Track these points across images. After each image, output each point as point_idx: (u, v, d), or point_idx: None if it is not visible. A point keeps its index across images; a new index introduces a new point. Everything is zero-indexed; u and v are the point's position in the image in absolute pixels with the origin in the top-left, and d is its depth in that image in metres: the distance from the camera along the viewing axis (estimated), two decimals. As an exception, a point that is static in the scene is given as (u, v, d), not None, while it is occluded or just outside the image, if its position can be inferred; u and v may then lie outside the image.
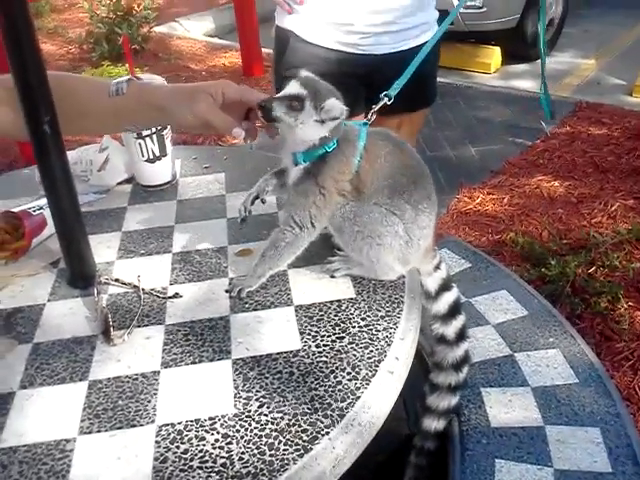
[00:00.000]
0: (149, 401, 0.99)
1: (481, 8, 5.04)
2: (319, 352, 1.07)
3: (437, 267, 1.27)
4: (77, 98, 1.25)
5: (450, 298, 1.28)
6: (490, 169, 3.83)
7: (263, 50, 5.44)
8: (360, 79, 1.87)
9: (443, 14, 5.01)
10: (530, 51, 5.55)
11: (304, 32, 1.82)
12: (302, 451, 0.90)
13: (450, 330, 1.29)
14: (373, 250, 1.18)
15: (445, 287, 1.28)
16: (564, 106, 4.58)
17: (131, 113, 1.24)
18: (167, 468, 0.89)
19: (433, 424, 1.36)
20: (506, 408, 1.50)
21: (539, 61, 5.79)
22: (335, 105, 1.13)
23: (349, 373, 1.02)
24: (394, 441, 1.83)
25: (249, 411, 0.97)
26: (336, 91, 1.18)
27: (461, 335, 1.30)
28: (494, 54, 5.44)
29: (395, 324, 1.12)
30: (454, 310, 1.29)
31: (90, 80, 1.39)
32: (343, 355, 1.06)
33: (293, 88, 1.14)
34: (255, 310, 1.17)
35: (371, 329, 1.11)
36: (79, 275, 1.26)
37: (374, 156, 1.18)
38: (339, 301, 1.18)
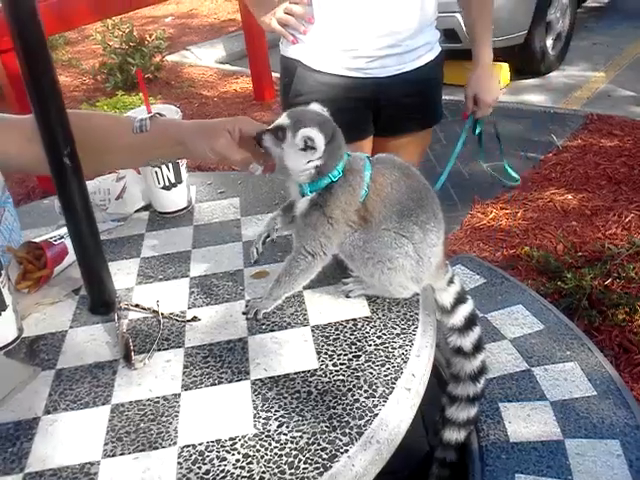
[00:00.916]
0: (170, 423, 1.01)
1: (488, 25, 5.08)
2: (336, 371, 1.09)
3: (450, 281, 1.29)
4: (102, 135, 1.29)
5: (466, 310, 1.30)
6: (503, 184, 3.83)
7: (273, 75, 5.51)
8: (367, 102, 1.91)
9: (449, 33, 5.03)
10: (539, 66, 5.58)
11: (310, 60, 1.85)
12: (322, 469, 0.91)
13: (467, 342, 1.30)
14: (385, 274, 1.19)
15: (460, 300, 1.29)
16: (575, 119, 4.59)
17: (155, 149, 1.29)
18: (190, 489, 0.91)
19: (454, 435, 1.37)
20: (525, 423, 1.50)
21: (548, 76, 5.80)
22: (306, 134, 1.13)
23: (366, 391, 1.04)
24: (414, 458, 1.83)
25: (269, 431, 0.98)
26: (324, 120, 1.18)
27: (478, 346, 1.31)
28: (502, 70, 5.46)
29: (411, 341, 1.14)
30: (470, 322, 1.30)
31: (113, 118, 1.44)
32: (360, 373, 1.08)
33: (281, 119, 1.18)
34: (272, 331, 1.19)
35: (387, 347, 1.13)
36: (100, 302, 1.29)
37: (381, 186, 1.19)
38: (355, 320, 1.20)
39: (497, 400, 1.57)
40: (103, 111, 4.70)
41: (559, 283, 2.74)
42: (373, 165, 1.21)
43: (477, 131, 2.14)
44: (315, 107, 1.23)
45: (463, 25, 5.09)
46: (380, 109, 1.94)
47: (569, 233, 3.26)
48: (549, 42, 5.61)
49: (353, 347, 1.13)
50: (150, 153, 1.31)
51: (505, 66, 5.47)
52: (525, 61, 5.49)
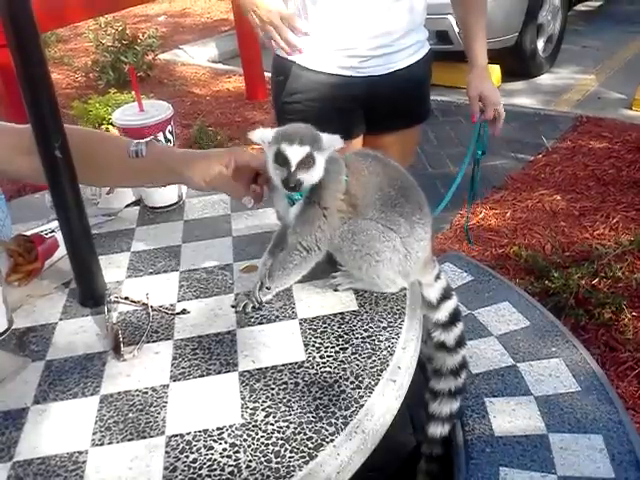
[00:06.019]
0: (159, 413, 1.03)
1: (480, 27, 5.11)
2: (323, 363, 1.10)
3: (437, 277, 1.31)
4: (94, 155, 1.31)
5: (451, 306, 1.32)
6: (492, 184, 3.86)
7: (266, 75, 5.52)
8: (359, 100, 1.93)
9: (441, 35, 5.03)
10: (529, 68, 5.62)
11: (305, 60, 1.87)
12: (307, 458, 0.93)
13: (450, 337, 1.32)
14: (372, 267, 1.21)
15: (446, 296, 1.32)
16: (564, 121, 4.63)
17: (149, 173, 1.32)
18: (177, 477, 0.92)
19: (438, 430, 1.39)
20: (510, 417, 1.52)
21: (538, 78, 5.81)
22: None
23: (352, 382, 1.05)
24: (403, 455, 1.84)
25: (256, 421, 1.00)
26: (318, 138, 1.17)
27: (460, 342, 1.33)
28: (493, 72, 5.49)
29: (397, 334, 1.15)
30: (454, 318, 1.32)
31: (110, 138, 1.45)
32: (346, 365, 1.09)
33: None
34: (261, 324, 1.21)
35: (373, 340, 1.14)
36: (90, 294, 1.30)
37: (358, 170, 1.23)
38: (342, 314, 1.21)
39: (483, 395, 1.58)
40: (97, 109, 4.68)
41: (547, 282, 2.77)
42: (345, 155, 1.24)
43: (480, 153, 2.18)
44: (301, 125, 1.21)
45: (455, 27, 5.12)
46: (372, 107, 1.96)
47: (557, 233, 3.29)
48: (540, 44, 5.64)
49: (340, 340, 1.15)
50: (146, 177, 1.33)
51: (496, 68, 5.51)
52: (516, 63, 5.53)
